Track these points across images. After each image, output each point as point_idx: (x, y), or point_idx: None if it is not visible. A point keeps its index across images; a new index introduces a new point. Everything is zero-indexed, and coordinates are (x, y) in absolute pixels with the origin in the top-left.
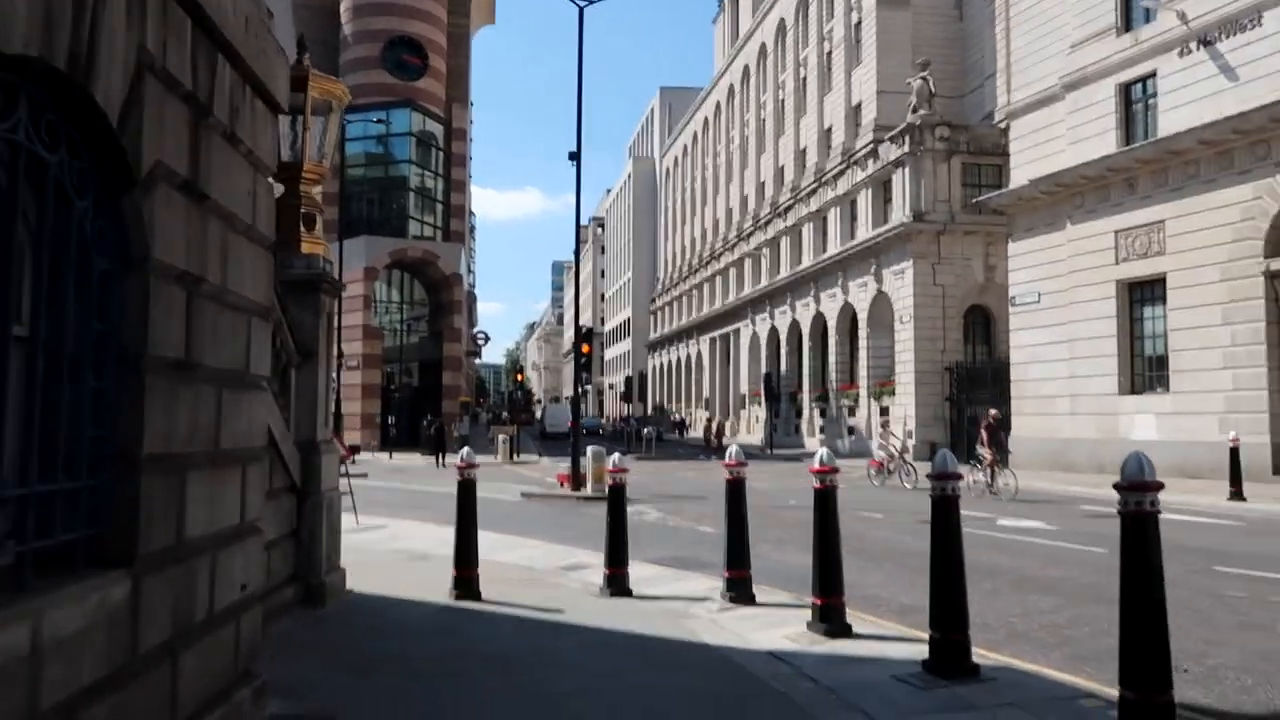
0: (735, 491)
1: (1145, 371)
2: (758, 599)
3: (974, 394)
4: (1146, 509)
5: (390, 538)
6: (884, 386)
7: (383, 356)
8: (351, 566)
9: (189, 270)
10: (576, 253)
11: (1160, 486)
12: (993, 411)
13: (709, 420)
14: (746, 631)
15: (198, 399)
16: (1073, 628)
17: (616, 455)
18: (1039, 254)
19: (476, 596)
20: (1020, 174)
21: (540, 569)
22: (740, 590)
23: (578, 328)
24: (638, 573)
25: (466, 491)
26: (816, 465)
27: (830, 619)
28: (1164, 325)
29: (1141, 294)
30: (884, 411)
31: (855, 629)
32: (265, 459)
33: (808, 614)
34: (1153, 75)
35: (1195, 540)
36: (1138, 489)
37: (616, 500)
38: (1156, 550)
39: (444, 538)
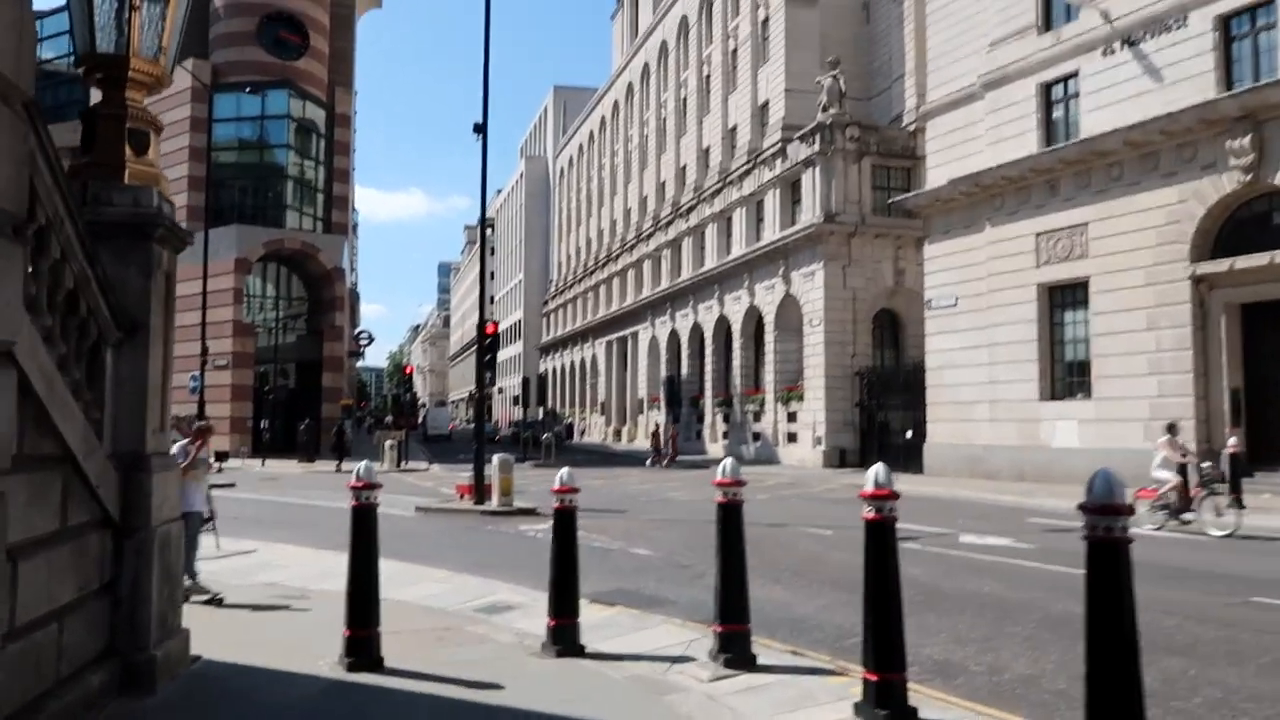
0: (730, 520)
1: (1067, 377)
2: (758, 659)
3: (885, 399)
4: None
5: (259, 567)
6: (791, 391)
7: (255, 355)
8: (203, 614)
9: None
10: (482, 224)
11: None
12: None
13: (656, 426)
14: (769, 719)
15: None
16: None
17: (565, 470)
18: (956, 256)
19: (377, 664)
20: (937, 175)
21: (454, 611)
22: (738, 650)
23: (482, 314)
24: (583, 617)
25: (365, 522)
26: (872, 488)
27: (890, 701)
28: (1086, 330)
29: (1063, 298)
30: (1171, 430)
31: (921, 712)
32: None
33: (834, 682)
34: (1075, 75)
35: (1192, 562)
36: None
37: (566, 529)
38: None
39: (327, 567)
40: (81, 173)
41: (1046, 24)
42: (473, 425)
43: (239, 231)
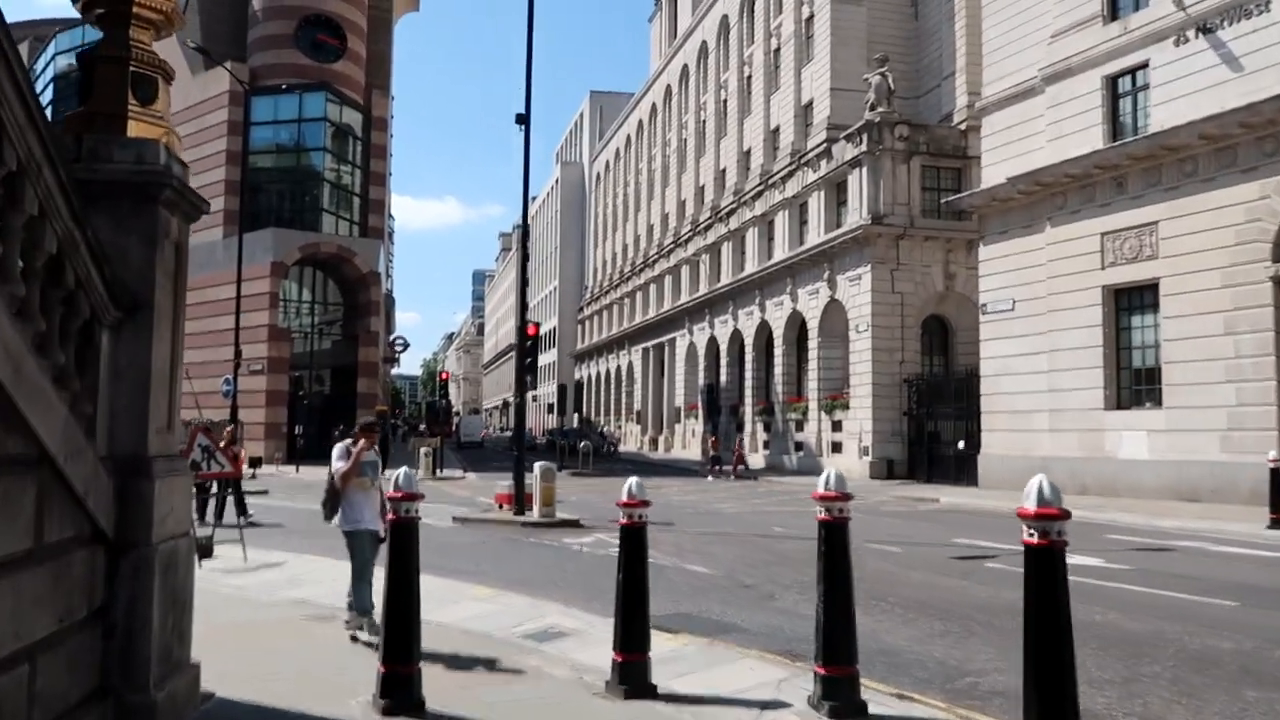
0: (835, 541)
1: (1134, 385)
2: (869, 706)
3: (936, 408)
4: None
5: (288, 582)
6: (836, 400)
7: (291, 361)
8: (223, 636)
9: None
10: (525, 218)
11: None
12: None
13: (713, 437)
14: None
15: None
16: None
17: (634, 481)
18: (1014, 258)
19: (417, 707)
20: (993, 173)
21: (501, 638)
22: (845, 697)
23: (522, 315)
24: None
25: (405, 539)
26: (1035, 506)
27: None
28: (1156, 335)
29: (1130, 301)
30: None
31: None
32: None
33: None
34: (1144, 66)
35: None
36: None
37: (635, 549)
38: None
39: None
40: (75, 124)
41: (1112, 13)
42: (506, 433)
43: (275, 235)
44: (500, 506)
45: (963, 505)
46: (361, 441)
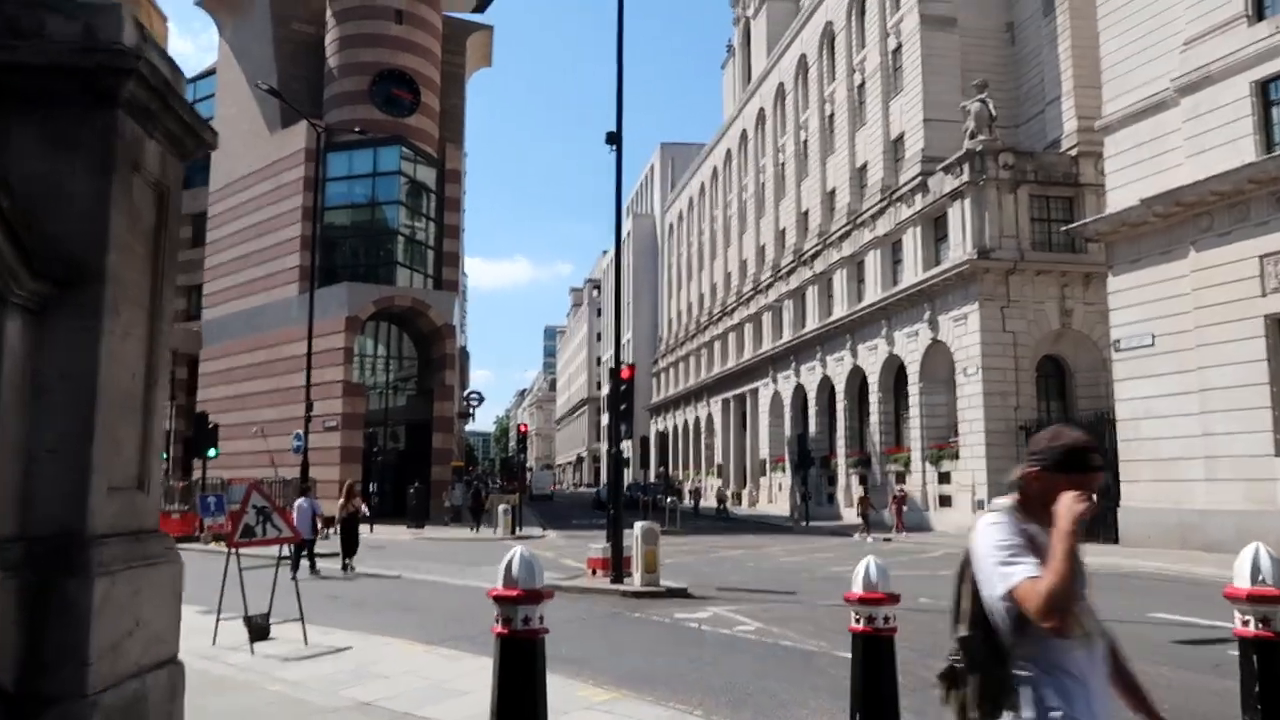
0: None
1: None
2: None
3: None
4: None
5: (353, 676)
6: (943, 449)
7: (365, 417)
8: None
9: None
10: (618, 252)
11: None
12: None
13: (864, 493)
14: None
15: None
16: None
17: (873, 562)
18: (1150, 288)
19: None
20: (1120, 196)
21: None
22: None
23: (618, 352)
24: None
25: (524, 666)
26: None
27: None
28: None
29: None
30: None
31: None
32: None
33: None
34: None
35: None
36: None
37: (882, 669)
38: None
39: (443, 677)
40: None
41: (1259, 13)
42: (581, 489)
43: (349, 290)
44: (593, 572)
45: (1118, 566)
46: (1070, 498)
